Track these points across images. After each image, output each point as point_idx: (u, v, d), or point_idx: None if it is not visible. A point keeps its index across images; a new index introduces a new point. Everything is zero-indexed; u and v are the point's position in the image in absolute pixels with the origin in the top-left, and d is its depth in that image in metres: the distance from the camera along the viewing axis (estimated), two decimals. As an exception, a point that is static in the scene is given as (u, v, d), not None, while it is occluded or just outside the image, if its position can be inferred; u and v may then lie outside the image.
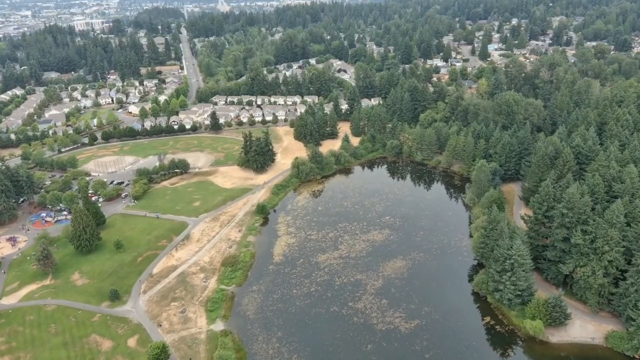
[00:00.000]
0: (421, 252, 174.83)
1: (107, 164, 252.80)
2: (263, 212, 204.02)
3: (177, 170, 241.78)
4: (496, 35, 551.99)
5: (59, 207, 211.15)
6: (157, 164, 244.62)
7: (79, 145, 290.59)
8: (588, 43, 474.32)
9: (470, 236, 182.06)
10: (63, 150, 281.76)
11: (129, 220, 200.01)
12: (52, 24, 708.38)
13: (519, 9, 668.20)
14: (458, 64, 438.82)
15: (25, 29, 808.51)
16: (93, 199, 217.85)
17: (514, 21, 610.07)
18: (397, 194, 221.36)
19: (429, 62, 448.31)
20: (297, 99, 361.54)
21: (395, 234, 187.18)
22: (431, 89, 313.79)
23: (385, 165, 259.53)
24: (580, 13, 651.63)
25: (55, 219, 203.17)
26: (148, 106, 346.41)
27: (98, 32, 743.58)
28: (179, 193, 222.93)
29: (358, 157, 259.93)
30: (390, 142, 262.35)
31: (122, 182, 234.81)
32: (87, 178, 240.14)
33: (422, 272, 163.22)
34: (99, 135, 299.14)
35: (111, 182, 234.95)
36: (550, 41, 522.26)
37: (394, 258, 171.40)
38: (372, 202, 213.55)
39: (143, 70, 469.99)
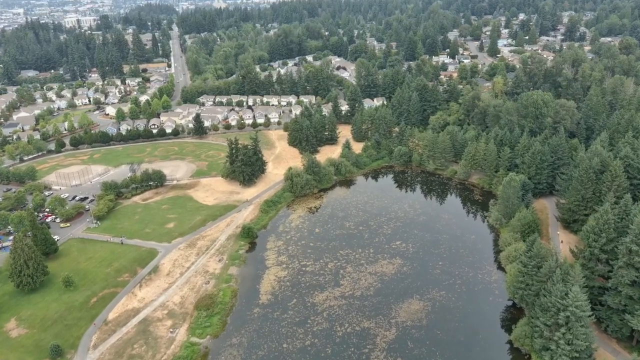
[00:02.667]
0: (442, 289, 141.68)
1: (71, 176, 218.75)
2: (249, 235, 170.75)
3: (152, 183, 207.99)
4: (504, 31, 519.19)
5: (7, 230, 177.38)
6: (129, 175, 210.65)
7: (44, 152, 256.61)
8: (603, 38, 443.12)
9: (500, 267, 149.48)
10: (25, 158, 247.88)
11: (88, 246, 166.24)
12: (34, 19, 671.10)
13: (526, 3, 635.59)
14: (466, 61, 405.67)
15: (15, 26, 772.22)
16: (49, 219, 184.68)
17: (522, 16, 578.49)
18: (407, 212, 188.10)
19: (434, 58, 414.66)
20: (292, 99, 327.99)
21: (408, 264, 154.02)
22: (441, 88, 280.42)
23: (393, 176, 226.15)
24: (589, 8, 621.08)
25: (0, 245, 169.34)
26: (127, 107, 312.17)
27: (85, 29, 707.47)
28: (151, 211, 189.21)
29: (361, 166, 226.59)
30: (398, 149, 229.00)
31: (86, 198, 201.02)
32: (47, 193, 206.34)
33: (446, 318, 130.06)
34: (68, 140, 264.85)
35: (73, 198, 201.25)
36: (563, 36, 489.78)
37: (409, 298, 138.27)
38: (379, 222, 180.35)
39: (126, 68, 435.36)
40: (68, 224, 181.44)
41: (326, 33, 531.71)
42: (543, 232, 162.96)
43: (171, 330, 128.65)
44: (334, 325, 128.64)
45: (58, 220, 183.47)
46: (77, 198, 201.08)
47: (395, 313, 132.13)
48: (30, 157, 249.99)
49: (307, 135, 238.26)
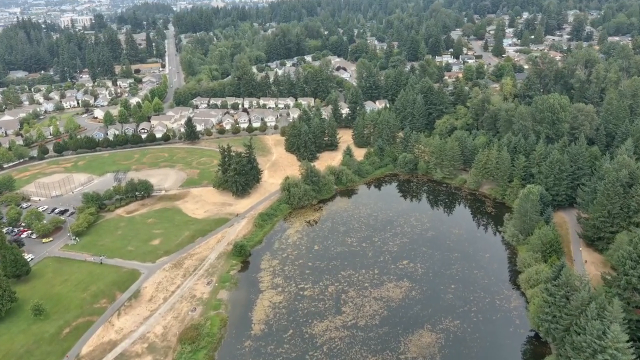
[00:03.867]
0: (456, 317, 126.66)
1: (52, 186, 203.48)
2: (242, 254, 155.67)
3: (137, 194, 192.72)
4: (509, 30, 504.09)
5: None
6: (113, 185, 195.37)
7: (26, 159, 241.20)
8: (610, 37, 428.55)
9: (519, 291, 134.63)
10: (5, 166, 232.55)
11: (64, 267, 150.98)
12: (27, 18, 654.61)
13: (529, 2, 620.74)
14: (471, 61, 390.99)
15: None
16: (25, 234, 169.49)
17: (526, 15, 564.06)
18: (414, 226, 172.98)
19: (437, 58, 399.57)
20: (290, 101, 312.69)
21: (417, 287, 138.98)
22: (447, 91, 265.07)
23: (397, 185, 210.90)
24: (594, 7, 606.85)
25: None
26: (116, 110, 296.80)
27: (79, 28, 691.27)
28: (135, 226, 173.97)
29: (363, 174, 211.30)
30: (403, 156, 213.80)
31: (66, 210, 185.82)
32: (25, 205, 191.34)
33: (461, 354, 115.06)
34: (51, 147, 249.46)
35: (52, 210, 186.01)
36: (569, 36, 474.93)
37: (419, 328, 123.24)
38: (384, 238, 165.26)
39: (119, 69, 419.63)
40: (50, 239, 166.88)
41: (325, 32, 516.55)
42: (564, 250, 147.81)
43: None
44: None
45: (34, 236, 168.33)
46: (56, 210, 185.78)
47: (404, 347, 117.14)
48: (11, 164, 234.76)
49: (305, 141, 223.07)
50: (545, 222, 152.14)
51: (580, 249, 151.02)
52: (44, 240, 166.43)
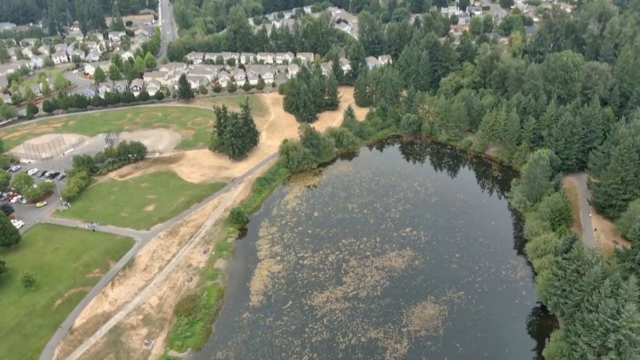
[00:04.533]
0: (460, 288, 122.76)
1: (42, 148, 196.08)
2: (239, 220, 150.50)
3: (130, 156, 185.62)
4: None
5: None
6: (105, 147, 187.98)
7: (15, 119, 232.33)
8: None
9: (525, 260, 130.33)
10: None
11: (56, 234, 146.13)
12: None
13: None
14: (478, 13, 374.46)
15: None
16: (14, 199, 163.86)
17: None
18: (418, 192, 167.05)
19: (443, 10, 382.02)
20: (289, 56, 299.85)
21: (420, 256, 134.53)
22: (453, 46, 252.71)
23: (400, 147, 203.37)
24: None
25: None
26: (107, 66, 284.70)
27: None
28: (129, 191, 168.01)
29: (365, 136, 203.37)
30: (406, 117, 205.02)
31: (57, 174, 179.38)
32: (13, 168, 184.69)
33: (466, 327, 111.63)
34: (41, 105, 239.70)
35: (43, 174, 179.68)
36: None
37: (422, 300, 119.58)
38: (386, 204, 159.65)
39: (110, 21, 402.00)
40: (45, 202, 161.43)
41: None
42: (573, 217, 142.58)
43: (146, 341, 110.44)
44: (335, 335, 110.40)
45: (24, 201, 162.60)
46: (47, 174, 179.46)
47: (406, 320, 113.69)
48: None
49: (304, 101, 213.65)
50: (555, 188, 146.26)
51: (590, 215, 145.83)
52: (38, 204, 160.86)
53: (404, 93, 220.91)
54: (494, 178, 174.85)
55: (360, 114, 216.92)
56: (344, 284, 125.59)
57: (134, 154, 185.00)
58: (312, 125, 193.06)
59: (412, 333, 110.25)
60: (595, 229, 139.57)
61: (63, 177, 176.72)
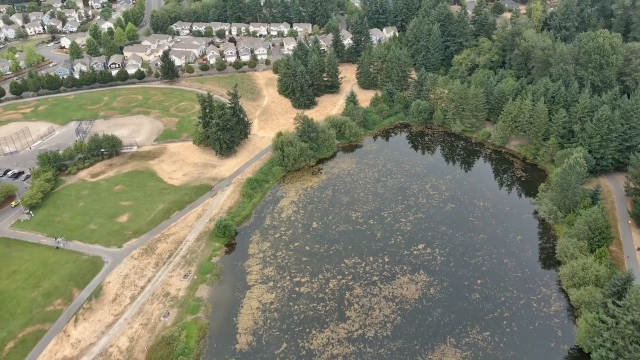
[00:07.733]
0: (485, 327, 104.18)
1: (6, 140, 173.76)
2: (226, 234, 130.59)
3: (104, 151, 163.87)
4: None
5: None
6: (75, 140, 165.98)
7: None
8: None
9: (553, 278, 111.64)
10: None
11: (14, 252, 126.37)
12: None
13: None
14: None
15: None
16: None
17: None
18: (431, 196, 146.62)
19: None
20: (284, 27, 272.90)
21: (436, 282, 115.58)
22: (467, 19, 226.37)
23: (409, 139, 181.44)
24: None
25: None
26: (84, 39, 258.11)
27: None
28: (100, 195, 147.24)
29: (369, 125, 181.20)
30: (416, 104, 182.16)
31: (21, 173, 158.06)
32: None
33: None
34: (7, 87, 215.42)
35: (5, 173, 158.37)
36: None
37: (441, 342, 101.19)
38: (395, 212, 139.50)
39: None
40: (18, 201, 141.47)
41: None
42: (612, 230, 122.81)
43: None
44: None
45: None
46: (9, 173, 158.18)
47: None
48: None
49: (301, 84, 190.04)
50: (592, 198, 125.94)
51: (629, 223, 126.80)
52: (13, 203, 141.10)
53: (413, 74, 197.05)
54: (517, 179, 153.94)
55: (364, 97, 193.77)
56: (348, 320, 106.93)
57: (108, 148, 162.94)
58: (310, 113, 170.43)
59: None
60: (638, 249, 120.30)
61: (28, 177, 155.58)
